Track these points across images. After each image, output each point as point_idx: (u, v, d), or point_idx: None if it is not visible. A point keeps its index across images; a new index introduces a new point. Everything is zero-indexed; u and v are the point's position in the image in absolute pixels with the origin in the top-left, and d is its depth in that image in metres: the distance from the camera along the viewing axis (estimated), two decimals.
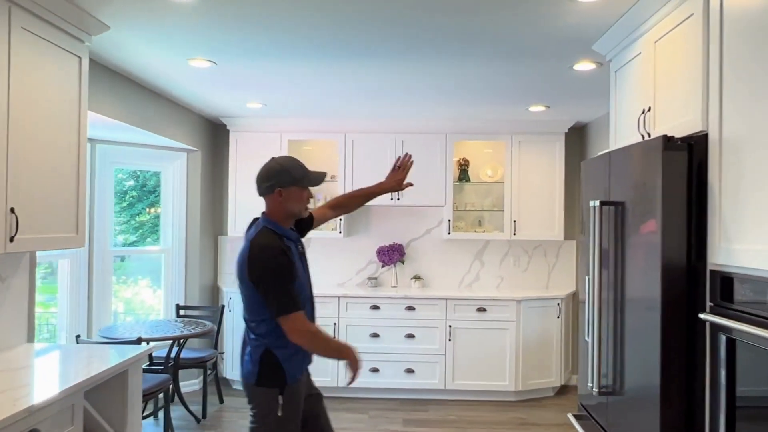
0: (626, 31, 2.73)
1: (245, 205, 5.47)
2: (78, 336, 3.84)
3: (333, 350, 2.39)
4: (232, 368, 5.33)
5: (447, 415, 4.75)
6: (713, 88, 1.97)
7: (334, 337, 2.49)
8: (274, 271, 2.19)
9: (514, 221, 5.36)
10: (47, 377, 2.51)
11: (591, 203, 2.56)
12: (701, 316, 1.92)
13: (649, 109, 2.50)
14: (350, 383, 2.34)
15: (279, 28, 2.94)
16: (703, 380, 1.98)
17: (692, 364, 2.03)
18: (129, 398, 2.81)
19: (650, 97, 2.50)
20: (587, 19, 2.78)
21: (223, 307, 5.14)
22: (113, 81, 3.79)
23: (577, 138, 5.67)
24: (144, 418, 4.05)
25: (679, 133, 2.18)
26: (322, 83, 4.06)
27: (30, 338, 3.04)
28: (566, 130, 5.39)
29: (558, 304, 5.20)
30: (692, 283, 2.04)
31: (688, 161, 2.04)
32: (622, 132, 2.84)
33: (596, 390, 2.51)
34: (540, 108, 4.76)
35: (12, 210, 2.32)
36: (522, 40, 3.09)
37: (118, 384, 2.75)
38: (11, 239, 2.32)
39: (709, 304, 1.97)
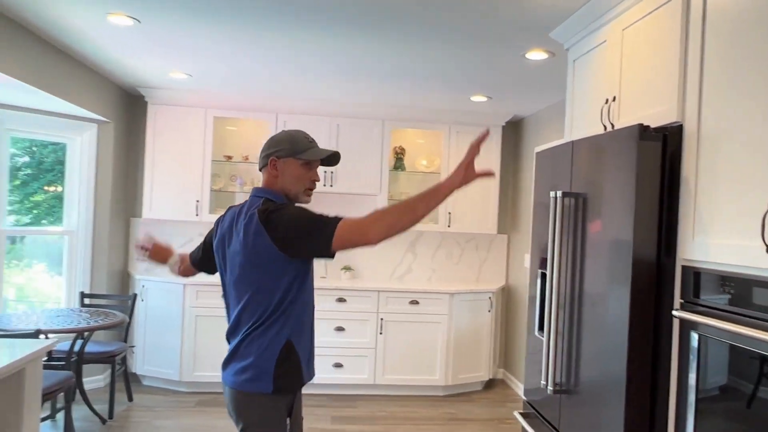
0: (590, 18, 2.64)
1: (164, 184, 5.02)
2: None
3: (425, 206, 1.83)
4: (143, 363, 4.88)
5: (377, 411, 4.58)
6: (692, 79, 1.90)
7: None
8: (305, 213, 1.84)
9: (449, 213, 5.27)
10: None
11: (552, 194, 2.46)
12: (674, 312, 1.85)
13: (614, 99, 2.42)
14: (491, 173, 2.01)
15: None
16: (668, 375, 1.92)
17: (658, 359, 1.96)
18: (25, 400, 2.41)
19: (615, 87, 2.42)
20: (546, 6, 2.67)
21: (135, 296, 4.68)
22: (13, 33, 3.27)
23: (513, 132, 5.66)
24: (42, 420, 3.56)
25: (649, 123, 2.11)
26: (255, 54, 3.73)
27: None
28: (504, 123, 5.36)
29: (489, 297, 5.17)
30: (661, 279, 1.97)
31: (662, 152, 1.97)
32: (580, 123, 2.76)
33: (551, 388, 2.42)
34: (482, 98, 4.67)
35: None
36: (475, 24, 2.94)
37: (12, 384, 2.34)
38: None
39: (679, 300, 1.90)
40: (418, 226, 5.27)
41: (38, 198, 4.91)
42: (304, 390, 4.79)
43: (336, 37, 3.30)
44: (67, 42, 3.65)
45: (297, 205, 1.95)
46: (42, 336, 3.15)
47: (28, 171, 4.88)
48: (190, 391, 4.82)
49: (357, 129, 5.19)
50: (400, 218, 1.81)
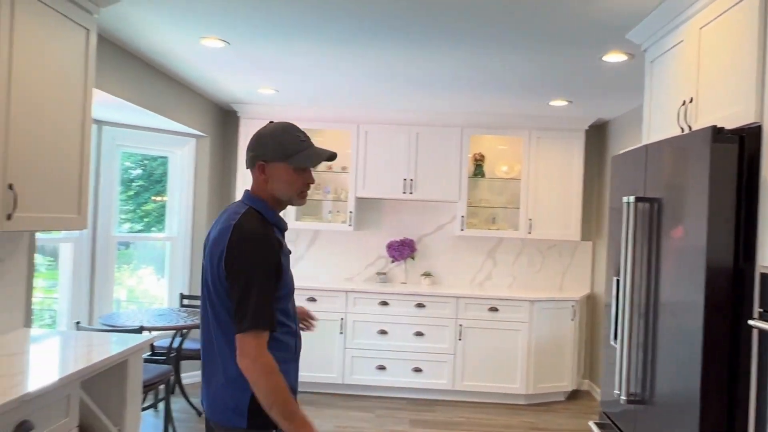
0: (667, 17, 2.57)
1: None
2: (78, 323, 3.71)
3: (286, 409, 1.61)
4: None
5: (455, 417, 4.60)
6: None
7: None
8: (257, 270, 1.63)
9: (530, 219, 5.20)
10: (43, 365, 2.38)
11: (625, 199, 2.40)
12: (750, 322, 1.77)
13: (691, 100, 2.33)
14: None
15: (298, 7, 2.79)
16: (747, 390, 1.83)
17: (735, 372, 1.87)
18: (128, 389, 2.68)
19: (692, 88, 2.33)
20: (623, 6, 2.62)
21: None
22: (121, 59, 3.65)
23: (597, 136, 5.49)
24: (143, 410, 3.92)
25: (726, 125, 2.02)
26: (338, 68, 3.91)
27: (27, 323, 2.91)
28: (587, 128, 5.23)
29: (572, 306, 5.04)
30: (738, 287, 1.88)
31: (738, 155, 1.89)
32: (658, 125, 2.68)
33: (624, 398, 2.36)
34: (562, 103, 4.59)
35: (10, 186, 2.19)
36: (551, 27, 2.93)
37: (117, 374, 2.62)
38: (8, 217, 2.18)
39: (758, 309, 1.81)
40: (500, 233, 5.24)
41: (148, 207, 5.40)
42: (382, 393, 4.95)
43: (417, 49, 3.40)
44: (167, 65, 4.01)
45: (261, 247, 1.67)
46: (146, 332, 3.47)
47: (140, 182, 5.37)
48: None
49: (436, 137, 5.26)
50: (265, 388, 1.61)
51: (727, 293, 1.88)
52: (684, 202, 2.05)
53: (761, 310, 1.80)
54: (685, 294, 2.00)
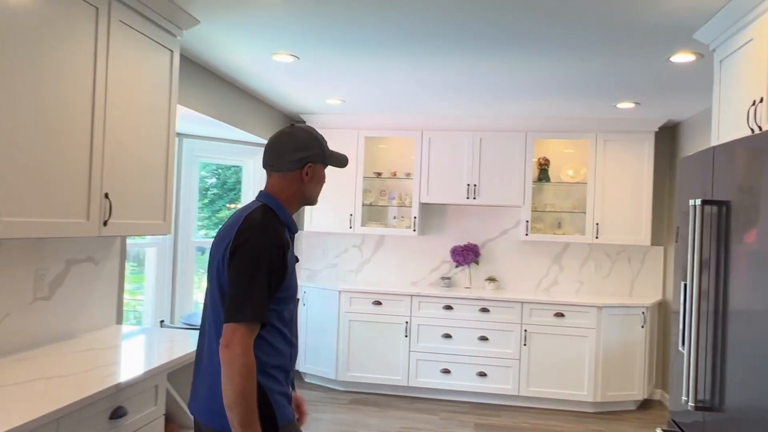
0: (735, 16, 2.51)
1: (322, 200, 5.52)
2: (162, 321, 4.00)
3: (247, 416, 1.55)
4: (305, 362, 5.40)
5: (520, 422, 4.59)
6: None
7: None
8: (261, 262, 1.62)
9: (597, 224, 5.11)
10: (133, 358, 2.60)
11: (691, 202, 2.37)
12: None
13: (761, 100, 2.28)
14: None
15: (363, 21, 2.93)
16: None
17: None
18: None
19: (763, 87, 2.28)
20: (689, 5, 2.58)
21: (297, 300, 5.20)
22: (199, 75, 3.92)
23: (668, 137, 5.33)
24: None
25: None
26: (402, 78, 4.02)
27: (119, 320, 3.19)
28: (657, 129, 5.09)
29: (642, 312, 4.91)
30: None
31: None
32: (727, 126, 2.62)
33: (692, 404, 2.32)
34: (629, 105, 4.51)
35: (106, 195, 2.43)
36: (615, 29, 2.92)
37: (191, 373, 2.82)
38: (105, 223, 2.42)
39: None
40: (566, 237, 5.18)
41: (222, 215, 5.70)
42: (446, 396, 4.99)
43: (480, 58, 3.46)
44: (240, 79, 4.26)
45: (270, 234, 1.67)
46: None
47: (215, 191, 5.69)
48: (344, 390, 5.23)
49: (499, 142, 5.28)
50: (238, 387, 1.55)
51: None
52: (758, 204, 2.00)
53: None
54: (762, 301, 1.96)
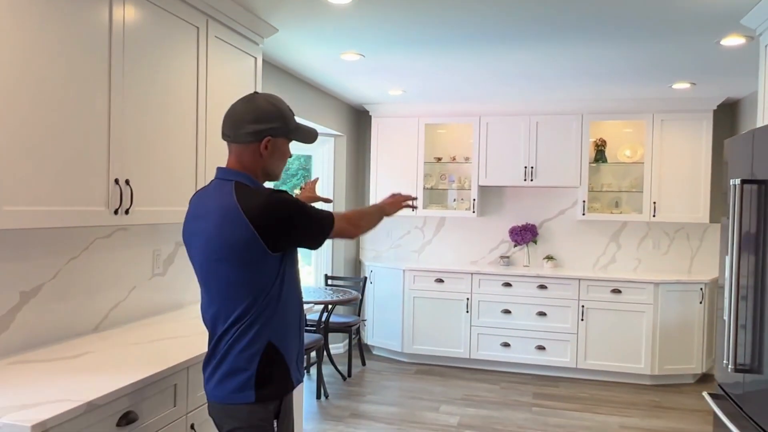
0: None
1: (386, 184, 5.89)
2: None
3: (376, 215, 1.99)
4: (373, 335, 5.81)
5: (578, 393, 4.83)
6: None
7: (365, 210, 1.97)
8: (297, 207, 1.69)
9: (654, 203, 5.23)
10: None
11: (732, 182, 2.55)
12: None
13: None
14: (414, 207, 2.12)
15: (424, 23, 3.22)
16: None
17: None
18: None
19: None
20: None
21: (365, 278, 5.62)
22: (276, 75, 4.33)
23: (727, 115, 5.34)
24: None
25: None
26: (458, 69, 4.29)
27: None
28: (715, 107, 5.12)
29: (701, 288, 5.01)
30: None
31: None
32: None
33: (732, 367, 2.53)
34: (685, 85, 4.59)
35: None
36: (665, 16, 3.09)
37: None
38: None
39: None
40: (623, 216, 5.33)
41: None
42: (507, 368, 5.29)
43: (535, 47, 3.69)
44: (310, 76, 4.65)
45: (279, 191, 1.70)
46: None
47: (296, 179, 6.16)
48: (410, 361, 5.61)
49: (555, 125, 5.45)
50: (370, 221, 1.95)
51: None
52: None
53: None
54: None
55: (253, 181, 1.74)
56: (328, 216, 1.79)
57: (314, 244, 1.78)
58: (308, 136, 1.86)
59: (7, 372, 1.94)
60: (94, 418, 1.73)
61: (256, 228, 1.63)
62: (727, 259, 2.64)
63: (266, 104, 1.74)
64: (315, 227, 1.75)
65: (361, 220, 1.90)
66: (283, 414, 1.84)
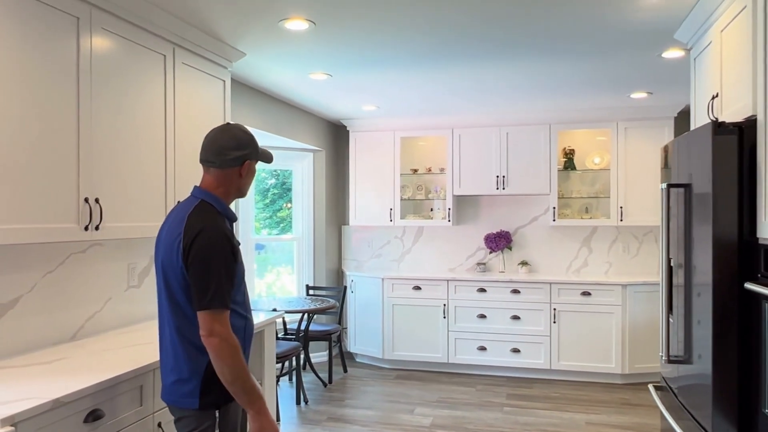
0: (699, 20, 2.86)
1: (364, 196, 6.09)
2: None
3: (246, 385, 1.81)
4: (355, 343, 5.98)
5: (551, 393, 4.99)
6: (760, 74, 2.13)
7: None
8: (215, 256, 1.80)
9: (621, 207, 5.42)
10: None
11: (661, 186, 2.75)
12: (746, 285, 2.10)
13: (716, 96, 2.63)
14: None
15: (386, 43, 3.44)
16: (758, 349, 2.15)
17: (746, 334, 2.19)
18: (266, 354, 3.48)
19: (717, 84, 2.63)
20: (664, 11, 2.94)
21: (345, 288, 5.80)
22: (250, 96, 4.55)
23: (687, 122, 5.54)
24: (280, 376, 4.79)
25: (737, 117, 2.34)
26: (430, 84, 4.50)
27: None
28: (675, 115, 5.34)
29: None
30: (744, 258, 2.20)
31: (738, 144, 2.21)
32: (699, 118, 2.96)
33: (665, 358, 2.71)
34: (642, 95, 4.81)
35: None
36: (606, 36, 3.30)
37: (257, 342, 3.43)
38: None
39: (759, 275, 2.13)
40: (593, 221, 5.51)
41: (283, 214, 6.35)
42: (483, 372, 5.45)
43: (504, 61, 3.90)
44: (284, 95, 4.87)
45: (220, 229, 1.85)
46: (276, 312, 4.31)
47: (275, 191, 6.35)
48: (390, 367, 5.78)
49: (525, 135, 5.66)
50: (231, 365, 1.79)
51: (731, 263, 2.21)
52: (701, 187, 2.38)
53: (759, 275, 2.12)
54: (702, 266, 2.35)
55: (220, 202, 1.95)
56: (224, 299, 1.80)
57: (195, 302, 1.80)
58: (268, 157, 2.13)
59: None
60: (61, 414, 1.91)
61: (183, 249, 1.83)
62: (661, 256, 2.83)
63: (241, 133, 1.99)
64: (205, 291, 1.79)
65: (233, 357, 1.79)
66: (232, 420, 2.02)
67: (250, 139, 2.00)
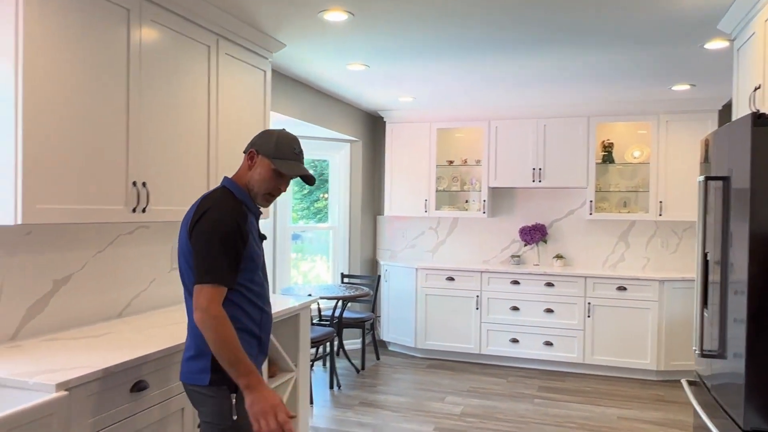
0: (743, 10, 2.80)
1: (399, 187, 6.14)
2: None
3: (232, 357, 1.77)
4: (388, 331, 6.06)
5: (583, 387, 4.97)
6: None
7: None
8: (215, 232, 1.81)
9: (660, 202, 5.33)
10: None
11: (699, 179, 2.72)
12: None
13: (759, 87, 2.58)
14: None
15: (424, 34, 3.47)
16: None
17: None
18: (300, 337, 3.58)
19: (760, 75, 2.58)
20: (707, 0, 2.89)
21: (379, 276, 5.88)
22: (289, 86, 4.65)
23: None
24: (315, 360, 4.91)
25: None
26: (467, 77, 4.52)
27: None
28: (720, 107, 5.20)
29: None
30: None
31: None
32: (742, 110, 2.91)
33: (698, 352, 2.69)
34: (684, 87, 4.71)
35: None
36: (647, 26, 3.26)
37: (293, 323, 3.54)
38: None
39: None
40: (631, 216, 5.44)
41: (320, 204, 6.47)
42: (515, 363, 5.46)
43: (545, 53, 3.89)
44: (322, 86, 4.95)
45: (225, 211, 1.87)
46: (312, 297, 4.43)
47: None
48: (422, 356, 5.84)
49: (562, 127, 5.61)
50: (214, 336, 1.77)
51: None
52: (740, 180, 2.35)
53: None
54: (738, 257, 2.32)
55: (240, 190, 1.98)
56: (219, 274, 1.79)
57: (195, 277, 1.82)
58: (291, 168, 1.98)
59: (40, 347, 2.28)
60: (110, 383, 2.04)
61: (189, 228, 1.88)
62: (697, 250, 2.79)
63: (275, 131, 2.02)
64: (202, 265, 1.80)
65: (220, 330, 1.76)
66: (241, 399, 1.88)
67: (272, 137, 1.99)
